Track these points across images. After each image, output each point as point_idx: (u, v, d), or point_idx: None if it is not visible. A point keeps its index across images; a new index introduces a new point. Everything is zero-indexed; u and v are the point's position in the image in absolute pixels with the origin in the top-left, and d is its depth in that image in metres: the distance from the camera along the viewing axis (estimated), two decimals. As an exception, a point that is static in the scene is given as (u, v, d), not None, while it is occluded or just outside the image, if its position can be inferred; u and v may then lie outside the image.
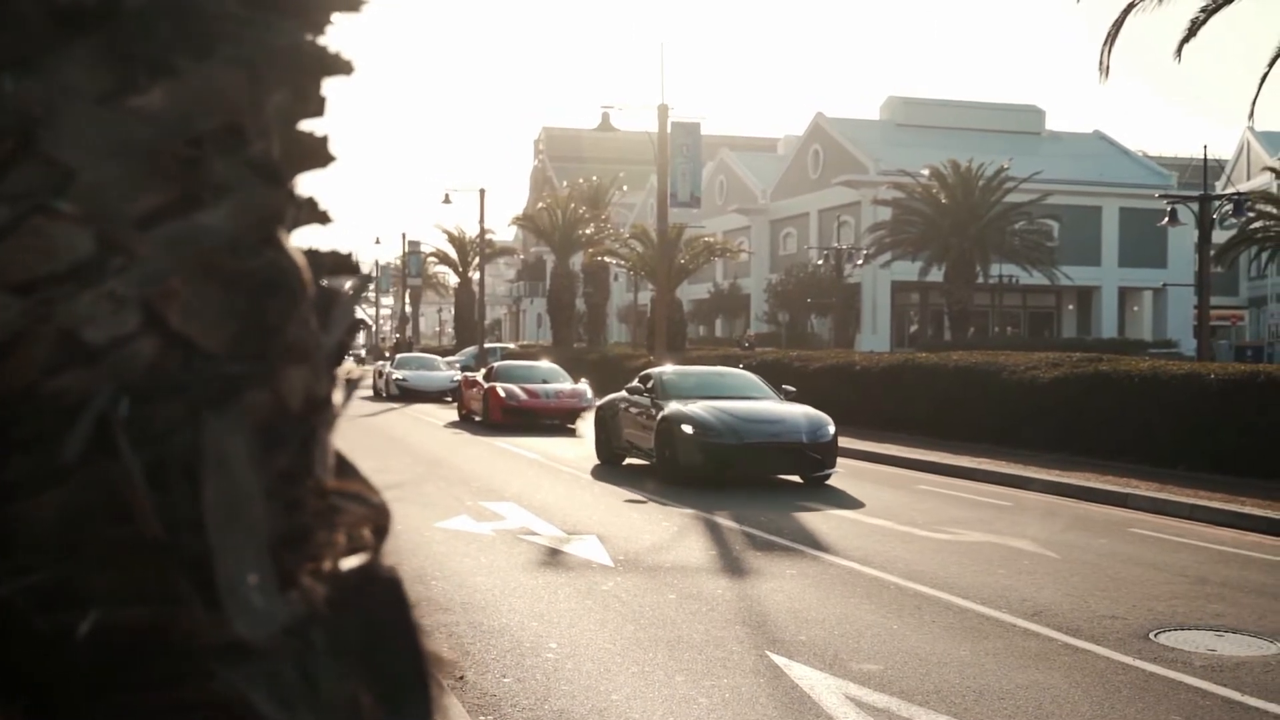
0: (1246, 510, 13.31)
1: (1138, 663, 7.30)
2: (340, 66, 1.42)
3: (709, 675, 6.90)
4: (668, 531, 12.21)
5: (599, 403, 19.57)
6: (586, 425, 24.33)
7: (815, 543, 11.38)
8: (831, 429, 16.21)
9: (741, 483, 15.65)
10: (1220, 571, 10.38)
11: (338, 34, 1.39)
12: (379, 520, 1.42)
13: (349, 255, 1.50)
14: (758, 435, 15.89)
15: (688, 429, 15.95)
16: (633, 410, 18.04)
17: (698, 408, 16.40)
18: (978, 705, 6.43)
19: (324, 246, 1.47)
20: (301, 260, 1.35)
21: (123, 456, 1.18)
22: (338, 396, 1.39)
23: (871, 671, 7.02)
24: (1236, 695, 6.66)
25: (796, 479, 16.26)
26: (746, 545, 11.32)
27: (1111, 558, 10.96)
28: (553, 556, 10.67)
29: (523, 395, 26.19)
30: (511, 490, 15.18)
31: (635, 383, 18.74)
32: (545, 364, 30.37)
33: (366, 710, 1.30)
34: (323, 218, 1.62)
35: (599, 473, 17.67)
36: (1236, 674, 7.09)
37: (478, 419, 27.37)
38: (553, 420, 26.13)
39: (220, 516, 1.22)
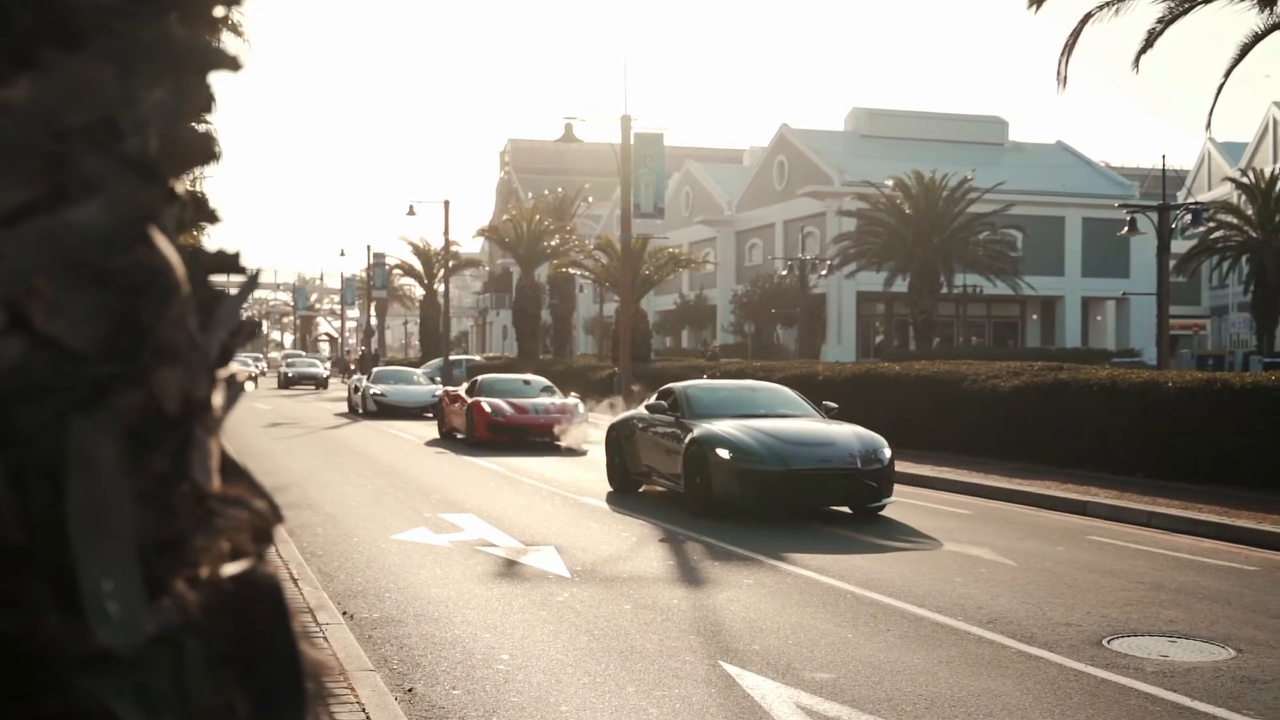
0: (1203, 517, 13.40)
1: (1090, 669, 7.32)
2: (225, 62, 1.38)
3: (660, 685, 6.87)
4: (626, 542, 12.18)
5: (614, 420, 17.85)
6: (575, 435, 23.96)
7: (773, 552, 11.36)
8: (888, 451, 14.44)
9: (786, 518, 13.71)
10: (1175, 578, 10.43)
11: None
12: (262, 525, 1.38)
13: (235, 255, 1.47)
14: (805, 460, 13.87)
15: (723, 453, 13.87)
16: (652, 430, 15.79)
17: (732, 428, 14.33)
18: (929, 713, 6.43)
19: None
20: (176, 258, 1.31)
21: (-19, 460, 1.14)
22: (219, 399, 1.36)
23: (824, 680, 7.00)
24: (1186, 701, 6.69)
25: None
26: (705, 555, 11.30)
27: (1068, 565, 11.00)
28: (509, 568, 10.62)
29: (510, 410, 24.66)
30: (472, 503, 15.11)
31: (655, 399, 16.40)
32: (532, 376, 28.72)
33: (242, 719, 1.26)
34: (211, 216, 1.58)
35: (613, 500, 15.64)
36: (1187, 680, 7.12)
37: (460, 436, 25.71)
38: (541, 437, 24.35)
39: (84, 522, 1.18)
